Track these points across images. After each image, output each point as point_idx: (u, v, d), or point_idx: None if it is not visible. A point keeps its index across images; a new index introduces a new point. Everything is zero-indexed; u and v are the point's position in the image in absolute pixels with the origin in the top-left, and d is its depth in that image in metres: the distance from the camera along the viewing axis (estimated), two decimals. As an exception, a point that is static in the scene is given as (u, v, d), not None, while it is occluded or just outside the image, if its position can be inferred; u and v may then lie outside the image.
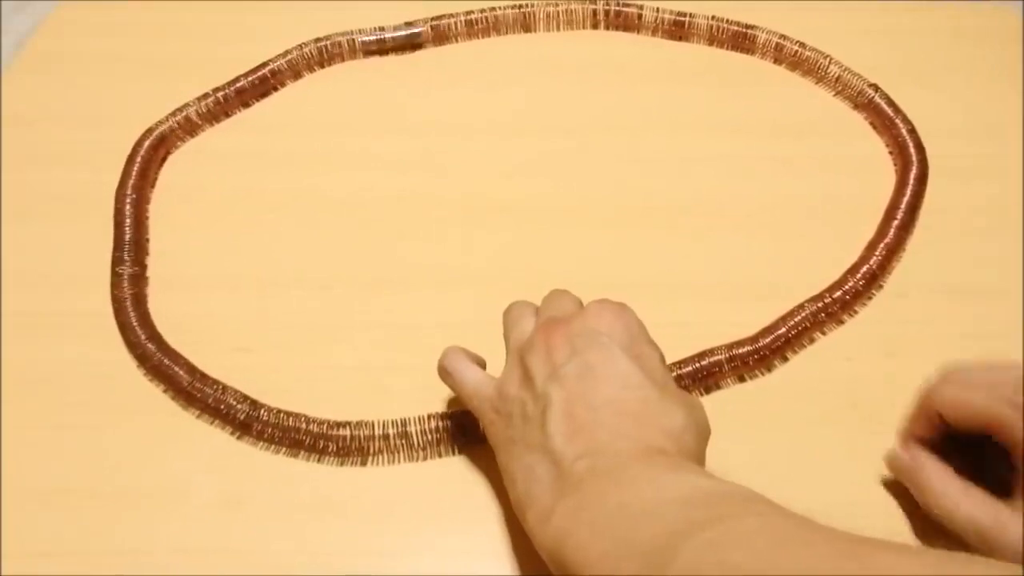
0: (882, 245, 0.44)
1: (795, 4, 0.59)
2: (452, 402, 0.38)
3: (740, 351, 0.40)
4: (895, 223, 0.45)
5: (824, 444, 0.38)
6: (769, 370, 0.40)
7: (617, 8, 0.57)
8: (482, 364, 0.36)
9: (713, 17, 0.56)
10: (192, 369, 0.39)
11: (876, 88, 0.52)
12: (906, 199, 0.47)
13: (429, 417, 0.38)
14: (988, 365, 0.34)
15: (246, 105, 0.52)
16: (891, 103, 0.52)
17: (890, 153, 0.50)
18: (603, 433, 0.30)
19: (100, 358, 0.40)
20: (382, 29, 0.55)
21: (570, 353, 0.32)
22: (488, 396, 0.34)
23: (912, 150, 0.49)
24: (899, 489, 0.36)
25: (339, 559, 0.34)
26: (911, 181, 0.47)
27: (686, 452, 0.30)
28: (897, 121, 0.50)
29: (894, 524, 0.35)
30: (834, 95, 0.54)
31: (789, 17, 0.57)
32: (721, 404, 0.38)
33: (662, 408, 0.30)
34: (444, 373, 0.36)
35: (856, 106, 0.53)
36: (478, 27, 0.57)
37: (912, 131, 0.50)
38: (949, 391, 0.34)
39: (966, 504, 0.32)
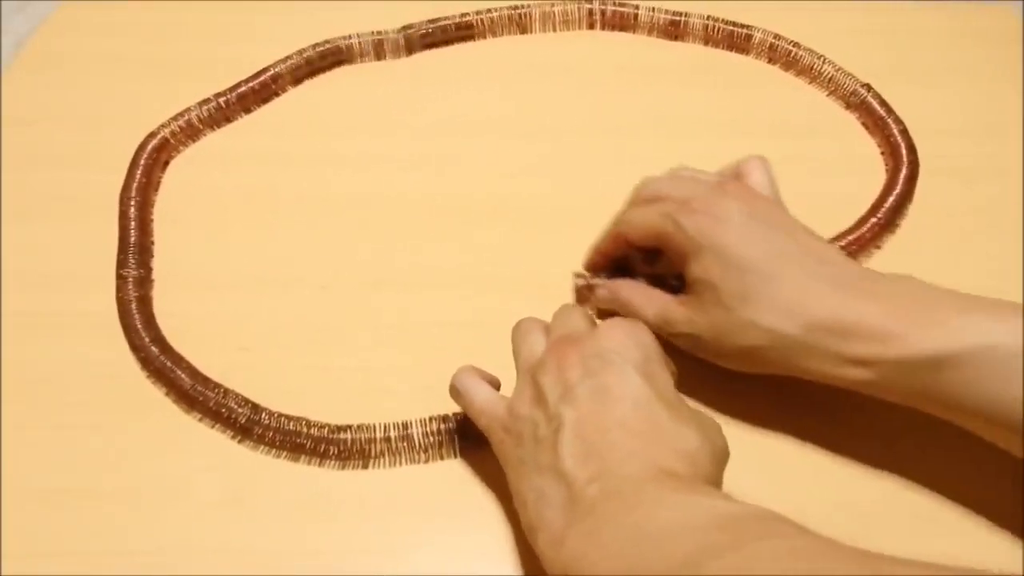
0: (849, 239, 0.45)
1: (795, 4, 0.59)
2: (453, 403, 0.39)
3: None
4: (873, 221, 0.46)
5: (823, 445, 0.38)
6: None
7: (613, 8, 0.57)
8: (495, 384, 0.36)
9: (708, 17, 0.56)
10: (194, 372, 0.40)
11: (869, 88, 0.52)
12: (891, 199, 0.47)
13: (431, 420, 0.38)
14: (671, 176, 0.41)
15: (247, 110, 0.52)
16: (883, 103, 0.52)
17: (882, 154, 0.51)
18: (614, 454, 0.29)
19: (102, 360, 0.41)
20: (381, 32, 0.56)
21: (583, 373, 0.31)
22: (498, 415, 0.33)
23: (904, 151, 0.49)
24: (897, 490, 0.36)
25: (341, 560, 0.35)
26: (900, 182, 0.48)
27: (702, 475, 0.29)
28: (889, 121, 0.51)
29: (892, 527, 0.36)
30: (827, 95, 0.54)
31: (787, 17, 0.57)
32: (718, 406, 0.39)
33: (674, 429, 0.30)
34: (454, 392, 0.36)
35: (849, 106, 0.53)
36: (474, 29, 0.57)
37: (904, 131, 0.50)
38: (629, 214, 0.40)
39: (650, 306, 0.39)
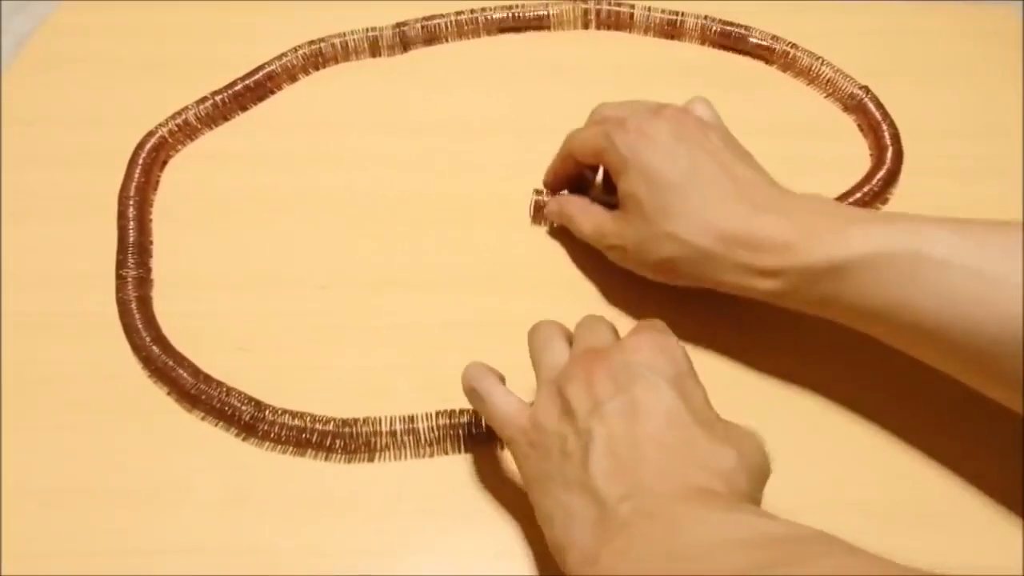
0: None
1: (794, 4, 0.59)
2: (457, 399, 0.39)
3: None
4: None
5: (820, 444, 0.38)
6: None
7: (609, 8, 0.57)
8: (502, 379, 0.35)
9: (705, 17, 0.56)
10: (196, 371, 0.40)
11: (867, 90, 0.52)
12: (855, 198, 0.47)
13: (437, 414, 0.38)
14: (623, 101, 0.43)
15: (244, 109, 0.52)
16: (880, 106, 0.52)
17: (871, 156, 0.51)
18: (647, 472, 0.28)
19: (103, 360, 0.41)
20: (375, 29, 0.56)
21: (614, 389, 0.30)
22: (523, 427, 0.32)
23: (889, 154, 0.49)
24: (897, 489, 0.37)
25: (344, 559, 0.35)
26: (872, 182, 0.48)
27: (739, 494, 0.29)
28: (883, 125, 0.51)
29: (892, 525, 0.36)
30: (825, 97, 0.54)
31: (785, 17, 0.57)
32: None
33: (709, 447, 0.29)
34: (473, 395, 0.34)
35: (847, 108, 0.53)
36: (468, 28, 0.57)
37: (895, 136, 0.50)
38: (576, 133, 0.44)
39: (588, 221, 0.42)
